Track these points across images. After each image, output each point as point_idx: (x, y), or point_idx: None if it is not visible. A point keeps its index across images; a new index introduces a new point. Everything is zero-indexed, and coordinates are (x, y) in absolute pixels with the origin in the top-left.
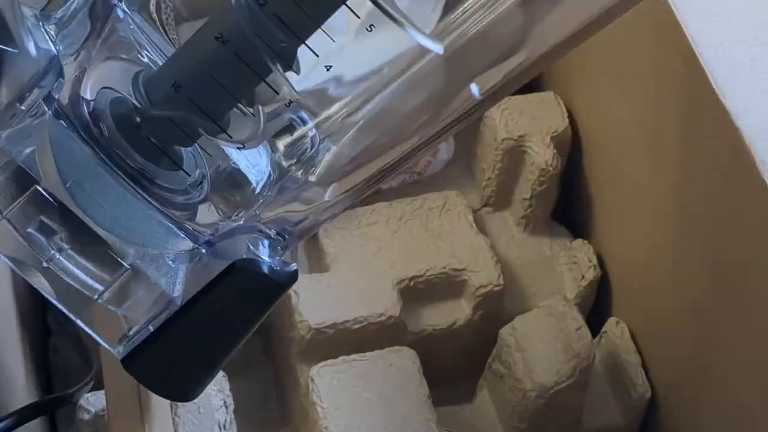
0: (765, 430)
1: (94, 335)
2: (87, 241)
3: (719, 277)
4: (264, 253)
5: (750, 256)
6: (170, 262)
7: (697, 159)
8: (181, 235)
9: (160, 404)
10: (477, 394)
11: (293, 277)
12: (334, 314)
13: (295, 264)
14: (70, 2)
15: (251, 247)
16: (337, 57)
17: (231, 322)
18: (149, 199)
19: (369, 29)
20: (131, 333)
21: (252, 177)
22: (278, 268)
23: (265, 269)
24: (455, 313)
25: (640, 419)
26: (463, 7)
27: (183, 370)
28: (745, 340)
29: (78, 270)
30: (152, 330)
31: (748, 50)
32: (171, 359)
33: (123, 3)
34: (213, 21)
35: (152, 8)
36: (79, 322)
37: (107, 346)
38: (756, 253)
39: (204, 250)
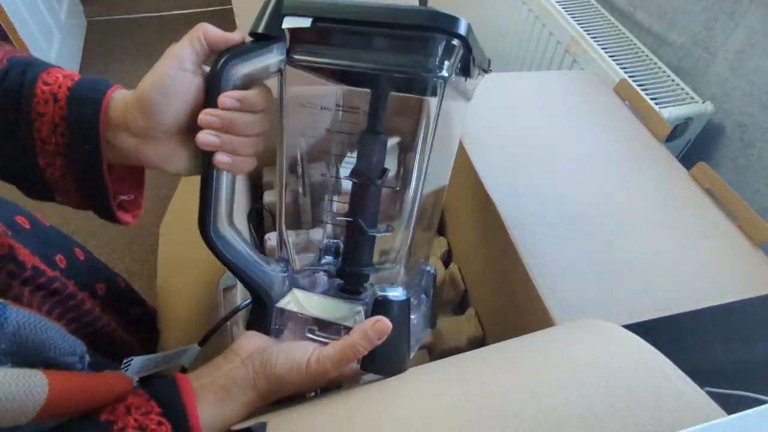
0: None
1: None
2: (330, 325)
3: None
4: (391, 291)
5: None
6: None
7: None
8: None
9: None
10: None
11: (408, 301)
12: None
13: (407, 295)
14: (283, 256)
15: (381, 292)
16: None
17: (403, 323)
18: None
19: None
20: None
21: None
22: (397, 297)
23: (403, 299)
24: None
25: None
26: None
27: (389, 358)
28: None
29: (329, 336)
30: None
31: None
32: (381, 356)
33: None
34: None
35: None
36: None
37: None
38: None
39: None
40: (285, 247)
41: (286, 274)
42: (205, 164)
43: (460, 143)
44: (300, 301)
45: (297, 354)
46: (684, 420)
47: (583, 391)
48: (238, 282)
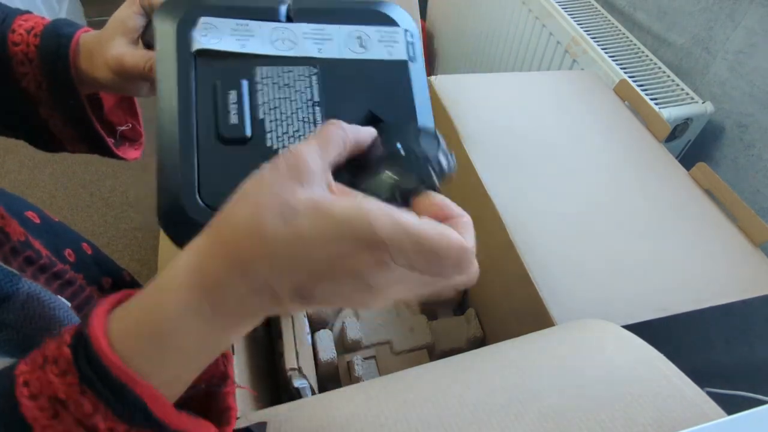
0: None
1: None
2: None
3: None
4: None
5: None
6: None
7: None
8: None
9: None
10: None
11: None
12: None
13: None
14: None
15: None
16: None
17: None
18: None
19: None
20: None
21: None
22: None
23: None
24: None
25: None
26: None
27: None
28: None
29: None
30: None
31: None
32: None
33: None
34: None
35: None
36: None
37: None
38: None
39: None
40: None
41: None
42: None
43: (460, 143)
44: None
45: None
46: (684, 420)
47: (583, 391)
48: None
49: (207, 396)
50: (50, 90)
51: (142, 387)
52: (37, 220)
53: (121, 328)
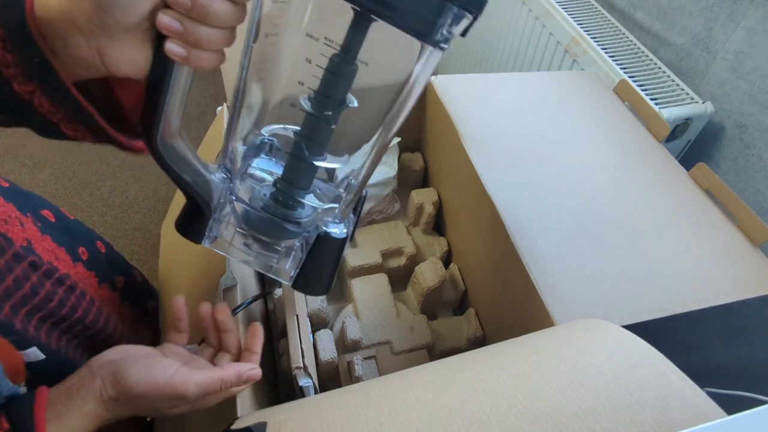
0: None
1: (277, 279)
2: (265, 243)
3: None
4: (333, 228)
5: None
6: (296, 243)
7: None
8: (297, 232)
9: None
10: None
11: (346, 238)
12: None
13: (347, 231)
14: (226, 165)
15: (325, 228)
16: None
17: (330, 257)
18: (287, 226)
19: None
20: (292, 274)
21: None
22: (337, 234)
23: (343, 237)
24: None
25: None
26: None
27: (319, 281)
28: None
29: (265, 253)
30: (298, 271)
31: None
32: (312, 279)
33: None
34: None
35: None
36: (269, 275)
37: (285, 282)
38: (493, 259)
39: (305, 237)
40: (229, 156)
41: (226, 185)
42: (159, 55)
43: (460, 143)
44: (239, 216)
45: (156, 369)
46: (684, 420)
47: (583, 391)
48: (239, 282)
49: None
50: (10, 48)
51: None
52: (53, 219)
53: None
